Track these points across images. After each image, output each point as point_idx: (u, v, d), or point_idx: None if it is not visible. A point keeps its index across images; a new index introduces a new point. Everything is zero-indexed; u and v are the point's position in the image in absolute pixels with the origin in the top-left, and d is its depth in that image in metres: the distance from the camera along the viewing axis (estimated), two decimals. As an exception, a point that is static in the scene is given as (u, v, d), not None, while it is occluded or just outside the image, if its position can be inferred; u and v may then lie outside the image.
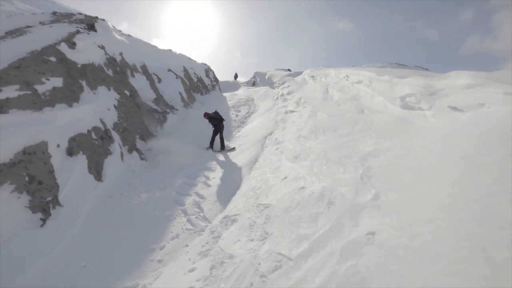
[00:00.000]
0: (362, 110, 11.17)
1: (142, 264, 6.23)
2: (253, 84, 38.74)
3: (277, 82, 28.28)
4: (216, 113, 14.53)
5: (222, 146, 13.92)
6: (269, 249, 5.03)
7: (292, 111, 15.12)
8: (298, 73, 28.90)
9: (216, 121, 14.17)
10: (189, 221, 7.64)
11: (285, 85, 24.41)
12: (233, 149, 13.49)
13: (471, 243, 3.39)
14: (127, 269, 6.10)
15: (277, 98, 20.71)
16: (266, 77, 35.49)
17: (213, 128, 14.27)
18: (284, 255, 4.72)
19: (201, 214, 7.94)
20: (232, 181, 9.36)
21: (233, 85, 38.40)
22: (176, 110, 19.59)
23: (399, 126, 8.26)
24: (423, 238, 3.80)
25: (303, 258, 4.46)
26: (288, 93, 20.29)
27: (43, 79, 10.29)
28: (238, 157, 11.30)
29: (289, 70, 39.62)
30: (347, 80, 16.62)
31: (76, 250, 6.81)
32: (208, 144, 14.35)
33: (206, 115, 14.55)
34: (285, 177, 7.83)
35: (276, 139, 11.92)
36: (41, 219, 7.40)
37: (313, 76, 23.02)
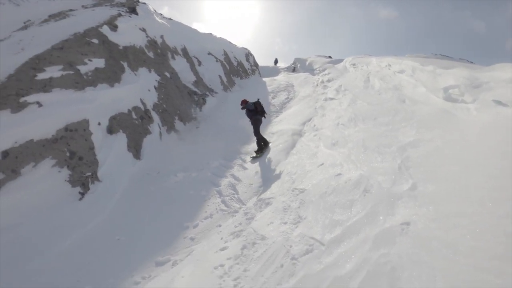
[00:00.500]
0: (404, 100, 10.73)
1: (175, 241, 6.27)
2: (293, 70, 38.03)
3: (317, 69, 27.49)
4: (258, 104, 11.37)
5: (260, 148, 10.92)
6: (302, 233, 4.93)
7: (331, 99, 14.62)
8: (339, 61, 27.93)
9: (253, 114, 11.18)
10: (223, 202, 7.59)
11: (326, 72, 23.67)
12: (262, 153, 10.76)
13: (508, 240, 3.27)
14: (160, 244, 6.15)
15: (317, 85, 20.11)
16: (307, 63, 34.64)
17: (251, 123, 11.24)
18: (316, 240, 4.61)
19: (236, 196, 7.86)
20: (268, 165, 9.19)
21: (273, 71, 37.81)
22: (216, 93, 19.57)
23: (441, 118, 7.98)
24: (459, 232, 3.69)
25: (335, 243, 4.35)
26: (328, 80, 19.64)
27: (86, 60, 10.51)
28: (275, 142, 11.07)
29: (330, 57, 38.55)
30: (389, 69, 16.04)
31: (112, 224, 6.93)
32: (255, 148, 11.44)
33: (244, 102, 11.30)
34: (322, 164, 7.58)
35: (314, 125, 11.59)
36: (80, 193, 7.59)
37: (354, 64, 22.31)
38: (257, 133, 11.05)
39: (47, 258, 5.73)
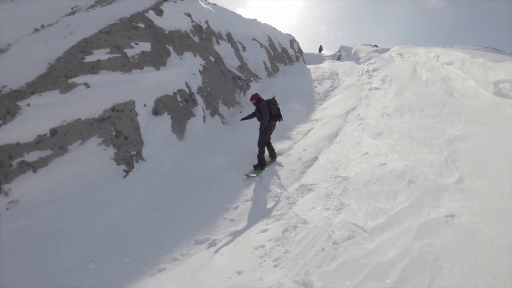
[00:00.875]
0: (452, 93, 10.30)
1: (215, 221, 6.25)
2: (338, 58, 36.97)
3: (363, 58, 26.49)
4: (272, 104, 9.19)
5: (273, 155, 9.20)
6: (344, 219, 4.80)
7: (377, 88, 13.98)
8: (385, 50, 26.82)
9: (266, 117, 8.77)
10: (264, 186, 7.47)
11: (371, 61, 22.77)
12: (271, 162, 8.99)
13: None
14: (199, 224, 6.17)
15: (362, 74, 19.35)
16: (352, 51, 33.54)
17: (261, 127, 8.87)
18: (359, 226, 4.49)
19: (277, 181, 7.68)
20: (310, 152, 8.84)
21: (317, 58, 36.94)
22: (260, 78, 19.31)
23: (490, 113, 7.76)
24: (504, 227, 3.67)
25: (378, 231, 4.25)
26: (374, 70, 18.86)
27: (132, 44, 10.58)
28: (318, 130, 10.70)
29: (375, 46, 36.99)
30: (437, 60, 15.37)
31: (154, 201, 6.94)
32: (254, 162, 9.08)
33: (256, 98, 9.21)
34: (366, 153, 7.32)
35: (358, 115, 11.09)
36: (124, 170, 7.68)
37: (400, 54, 21.36)
38: (262, 144, 8.80)
39: (90, 230, 5.83)
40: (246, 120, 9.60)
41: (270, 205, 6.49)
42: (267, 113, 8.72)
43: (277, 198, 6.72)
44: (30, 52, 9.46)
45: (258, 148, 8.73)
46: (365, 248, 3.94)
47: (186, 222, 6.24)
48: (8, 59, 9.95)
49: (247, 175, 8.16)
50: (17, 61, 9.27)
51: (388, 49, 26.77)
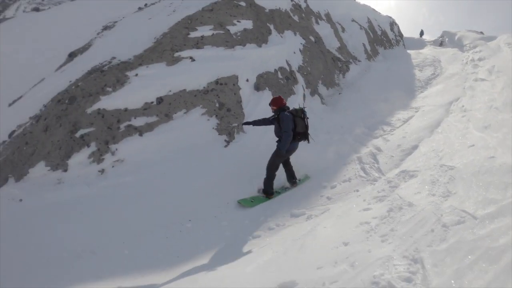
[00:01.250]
0: None
1: (311, 197, 6.16)
2: (440, 44, 33.63)
3: (467, 45, 23.64)
4: (298, 117, 6.53)
5: (294, 179, 6.86)
6: (452, 205, 4.30)
7: (482, 79, 12.38)
8: (492, 38, 23.60)
9: (290, 136, 6.25)
10: (362, 169, 7.13)
11: (477, 49, 20.22)
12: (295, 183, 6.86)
13: None
14: (296, 198, 6.15)
15: (467, 63, 17.34)
16: (456, 38, 30.17)
17: (278, 146, 6.34)
18: (468, 213, 4.00)
19: (376, 165, 7.27)
20: (411, 140, 8.24)
21: (418, 43, 34.02)
22: (359, 61, 18.21)
23: None
24: None
25: (489, 219, 3.77)
26: (480, 59, 16.70)
27: (235, 21, 10.51)
28: (419, 119, 9.93)
29: (481, 32, 33.00)
30: None
31: (253, 173, 6.95)
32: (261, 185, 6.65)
33: (279, 104, 6.57)
34: (473, 145, 6.59)
35: (462, 106, 10.04)
36: (225, 140, 7.75)
37: (509, 43, 18.75)
38: (274, 168, 6.41)
39: (190, 192, 6.13)
40: (346, 102, 8.66)
41: (367, 188, 6.18)
42: (290, 130, 6.19)
43: (375, 182, 6.41)
44: (136, 28, 10.01)
45: (266, 173, 6.38)
46: (476, 233, 3.53)
47: (282, 195, 6.32)
48: (115, 35, 10.56)
49: (240, 202, 6.08)
50: (124, 36, 9.96)
51: (495, 37, 23.70)
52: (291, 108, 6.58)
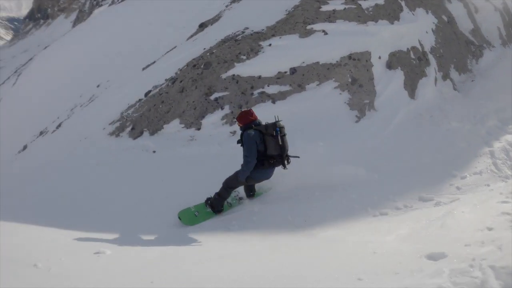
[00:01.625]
0: None
1: (440, 184, 6.00)
2: None
3: None
4: (270, 134, 4.86)
5: (252, 192, 5.59)
6: None
7: None
8: None
9: (251, 162, 4.82)
10: (494, 164, 6.75)
11: None
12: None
13: None
14: (423, 182, 6.01)
15: None
16: None
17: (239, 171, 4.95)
18: None
19: (508, 162, 6.85)
20: None
21: None
22: (493, 47, 16.00)
23: None
24: None
25: None
26: None
27: (366, -4, 10.10)
28: None
29: None
30: None
31: (382, 151, 6.92)
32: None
33: (244, 120, 5.08)
34: None
35: None
36: (356, 116, 7.60)
37: None
38: (230, 186, 5.08)
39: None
40: (479, 91, 8.48)
41: (499, 184, 5.91)
42: (252, 155, 4.79)
43: (507, 180, 6.10)
44: (266, 0, 10.00)
45: (220, 188, 5.06)
46: None
47: (409, 177, 6.14)
48: (244, 7, 10.81)
49: (180, 218, 4.92)
50: (255, 8, 10.11)
51: None
52: (263, 123, 5.02)
